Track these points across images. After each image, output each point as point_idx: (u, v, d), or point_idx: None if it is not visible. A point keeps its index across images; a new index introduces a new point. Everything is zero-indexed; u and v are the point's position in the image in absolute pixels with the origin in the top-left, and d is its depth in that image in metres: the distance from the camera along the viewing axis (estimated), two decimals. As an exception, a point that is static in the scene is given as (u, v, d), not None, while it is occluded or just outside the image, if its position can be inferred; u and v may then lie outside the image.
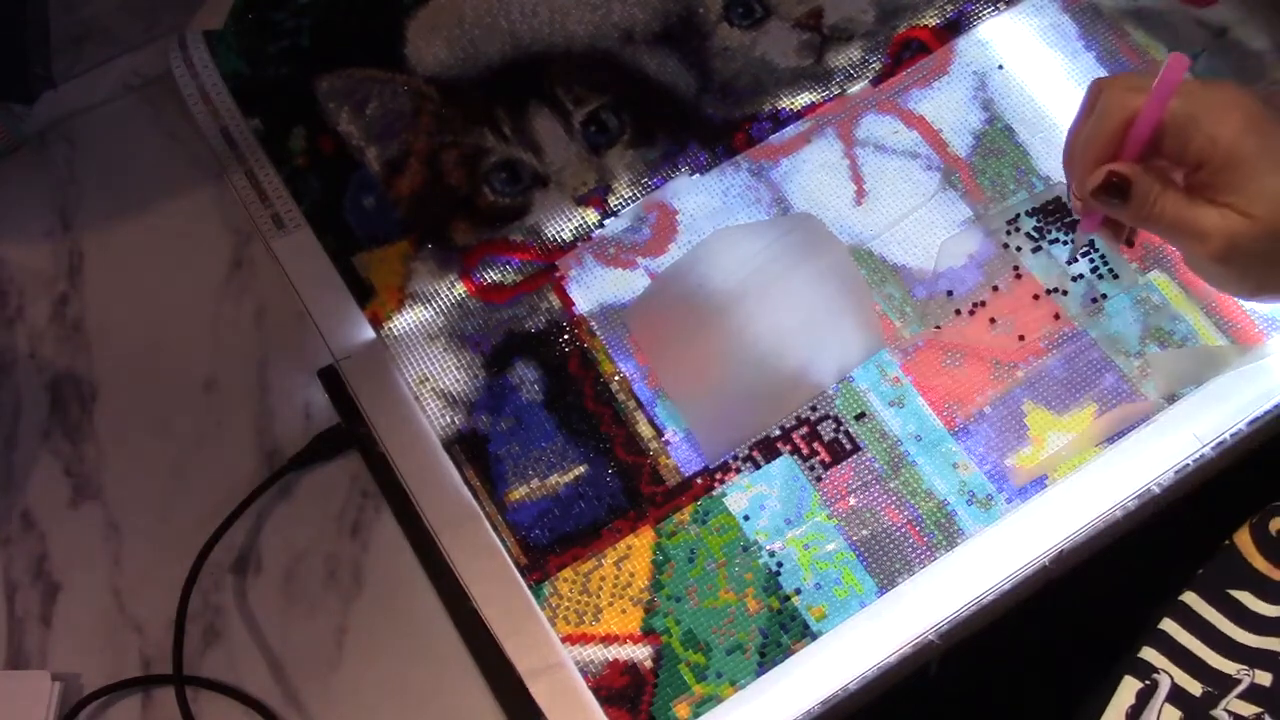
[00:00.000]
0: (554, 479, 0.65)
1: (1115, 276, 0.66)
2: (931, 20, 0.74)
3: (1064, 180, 0.69)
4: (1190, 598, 0.63)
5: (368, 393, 0.66)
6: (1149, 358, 0.64)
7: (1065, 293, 0.66)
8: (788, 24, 0.74)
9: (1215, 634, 0.62)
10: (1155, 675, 0.61)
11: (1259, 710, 0.59)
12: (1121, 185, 0.53)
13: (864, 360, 0.66)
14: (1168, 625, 0.62)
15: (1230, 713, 0.59)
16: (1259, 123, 0.51)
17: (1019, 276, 0.67)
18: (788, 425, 0.65)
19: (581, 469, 0.65)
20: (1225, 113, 0.51)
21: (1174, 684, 0.61)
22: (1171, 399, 0.63)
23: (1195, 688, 0.60)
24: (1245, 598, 0.62)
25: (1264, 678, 0.59)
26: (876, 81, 0.73)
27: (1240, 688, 0.59)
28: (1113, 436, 0.63)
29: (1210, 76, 0.57)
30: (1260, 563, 0.63)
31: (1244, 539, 0.64)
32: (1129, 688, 0.61)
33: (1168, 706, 0.60)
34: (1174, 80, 0.51)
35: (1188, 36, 0.72)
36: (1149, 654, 0.62)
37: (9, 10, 0.68)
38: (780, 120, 0.72)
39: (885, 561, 0.62)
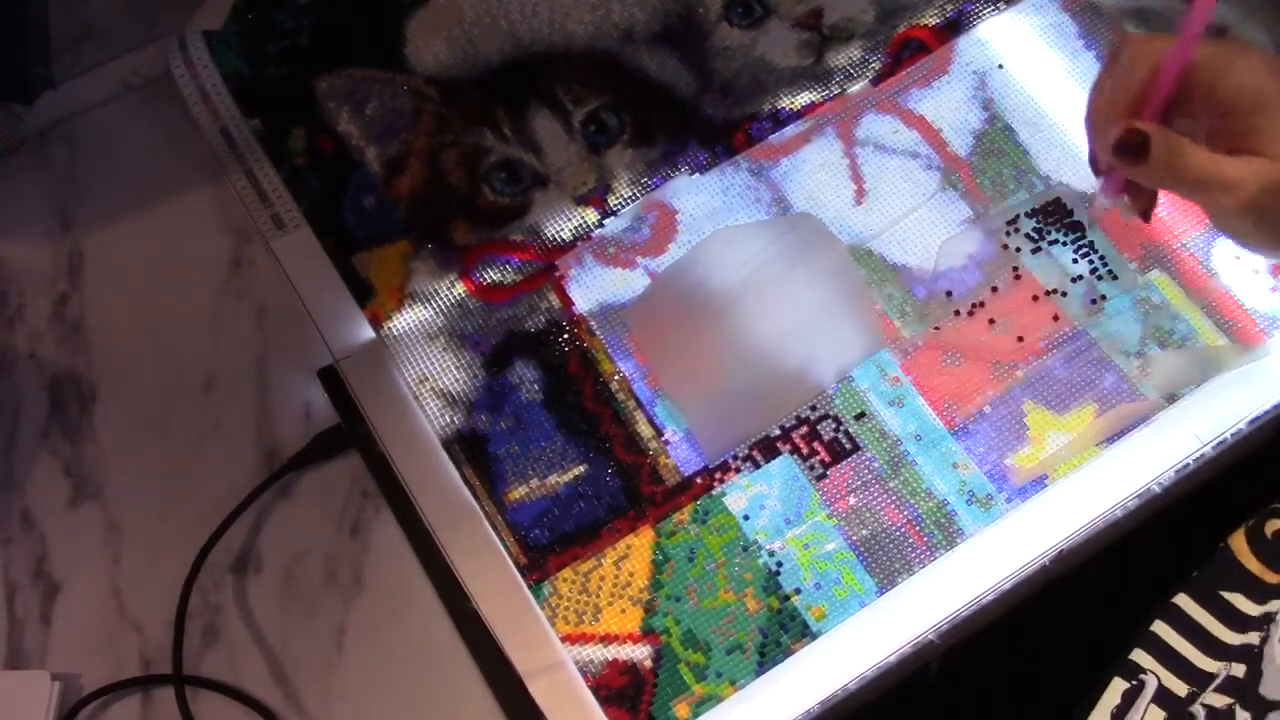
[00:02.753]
0: (553, 479, 0.65)
1: (1115, 278, 0.66)
2: (931, 20, 0.74)
3: (1063, 181, 0.69)
4: (1182, 599, 0.63)
5: (368, 393, 0.66)
6: (1149, 357, 0.64)
7: (1064, 294, 0.66)
8: (787, 24, 0.74)
9: (1203, 635, 0.61)
10: (1143, 676, 0.61)
11: (1230, 701, 0.59)
12: (1140, 143, 0.51)
13: (864, 360, 0.66)
14: (1159, 628, 0.62)
15: (1205, 705, 0.59)
16: None
17: (1018, 277, 0.67)
18: (787, 425, 0.65)
19: (581, 469, 0.65)
20: (1251, 60, 0.51)
21: (1160, 684, 0.60)
22: (1171, 399, 0.63)
23: (1181, 688, 0.60)
24: (1236, 599, 0.62)
25: (1238, 669, 0.59)
26: (876, 81, 0.73)
27: (1217, 681, 0.59)
28: (1113, 436, 0.63)
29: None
30: (1254, 564, 0.63)
31: (1239, 542, 0.64)
32: (1116, 688, 0.61)
33: (1153, 707, 0.60)
34: (1201, 19, 0.50)
35: (1188, 36, 0.72)
36: (1139, 655, 0.62)
37: (9, 10, 0.68)
38: (780, 120, 0.72)
39: (885, 561, 0.62)
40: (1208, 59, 0.51)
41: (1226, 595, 0.62)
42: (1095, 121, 0.54)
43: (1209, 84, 0.51)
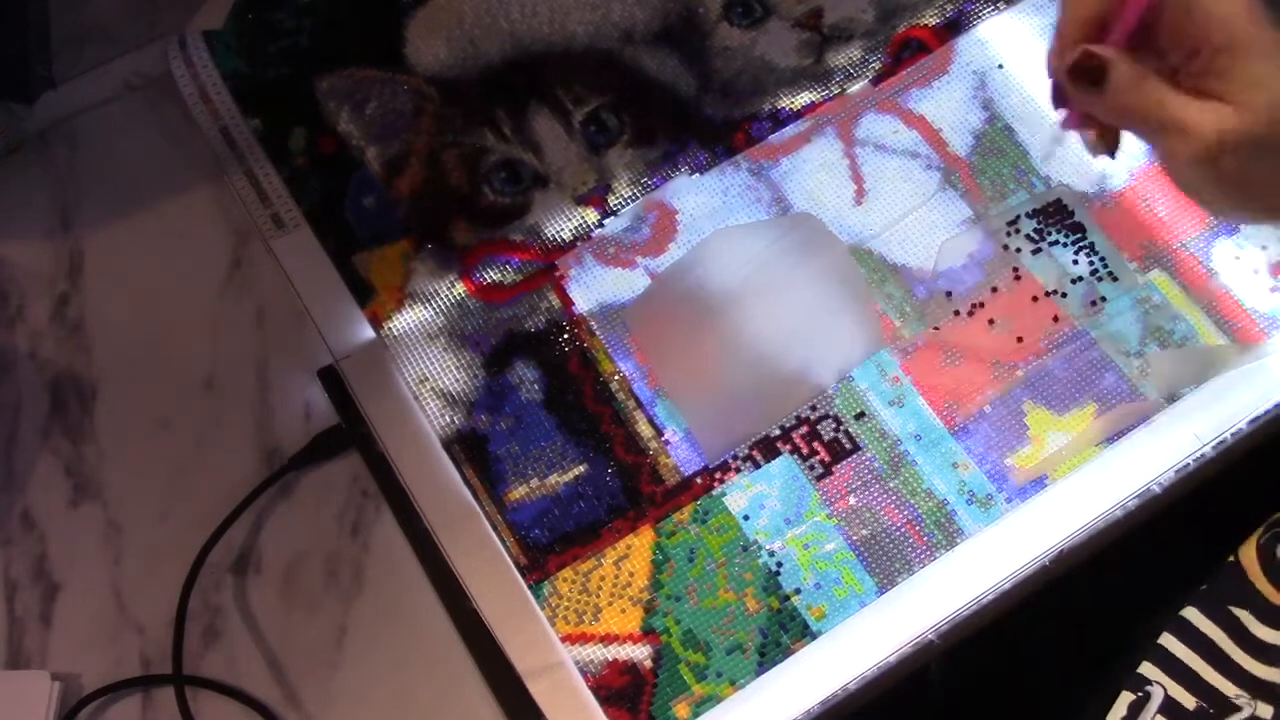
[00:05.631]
0: (554, 479, 0.65)
1: (1115, 279, 0.66)
2: (931, 19, 0.74)
3: (1064, 182, 0.69)
4: (1191, 613, 0.62)
5: (368, 393, 0.66)
6: (1149, 357, 0.64)
7: (1064, 295, 0.66)
8: (788, 23, 0.74)
9: (1214, 649, 0.61)
10: (1149, 687, 0.60)
11: None
12: (1097, 70, 0.47)
13: (864, 360, 0.66)
14: (1166, 640, 0.62)
15: None
16: (1259, 11, 0.45)
17: (1018, 278, 0.67)
18: (788, 425, 0.65)
19: (581, 469, 0.65)
20: None
21: (1167, 695, 0.60)
22: (1171, 399, 0.63)
23: (1189, 701, 0.60)
24: (1246, 617, 0.61)
25: (1265, 710, 0.59)
26: (876, 81, 0.73)
27: (1240, 716, 0.59)
28: (1113, 436, 0.63)
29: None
30: (1264, 585, 0.62)
31: (1249, 558, 0.63)
32: (1123, 701, 0.61)
33: (1159, 718, 0.60)
34: None
35: (1188, 36, 0.72)
36: (1145, 668, 0.61)
37: (10, 11, 0.68)
38: (780, 120, 0.72)
39: (885, 561, 0.62)
40: None
41: (1236, 611, 0.62)
42: (1058, 45, 0.49)
43: (1179, 13, 0.45)
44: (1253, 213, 0.48)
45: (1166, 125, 0.46)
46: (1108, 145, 0.53)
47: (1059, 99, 0.52)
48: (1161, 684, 0.60)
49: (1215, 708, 0.59)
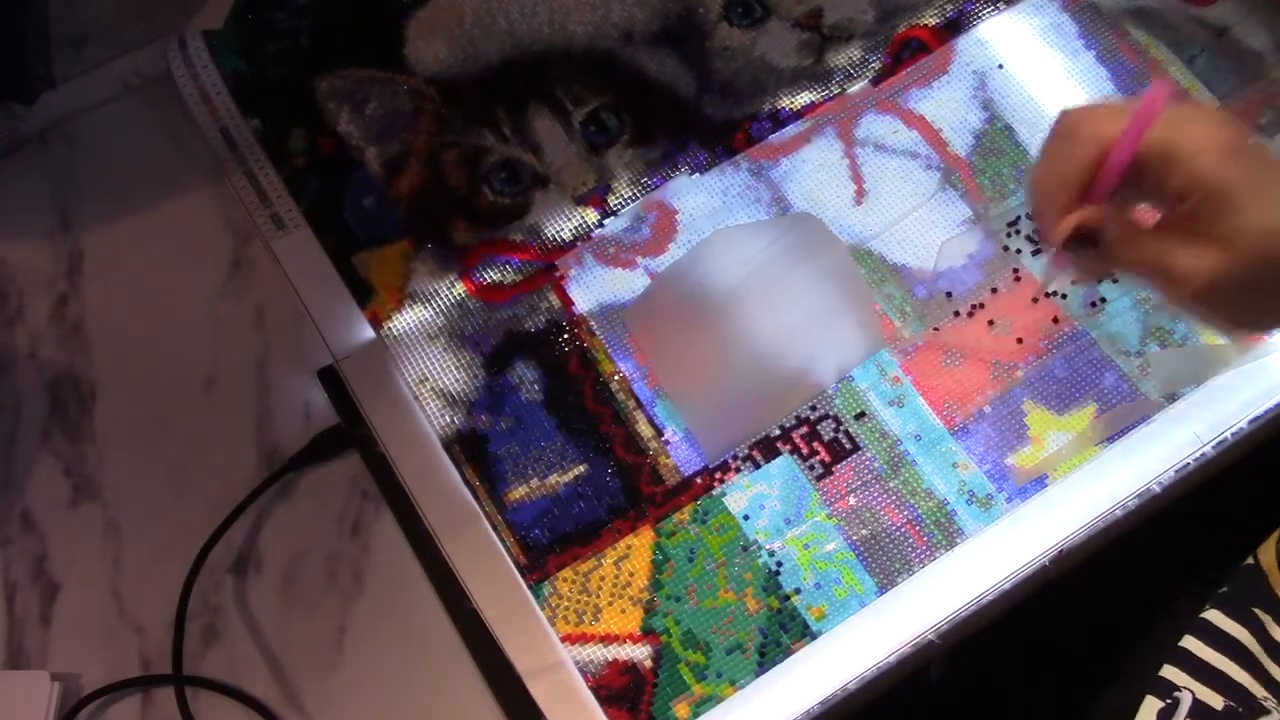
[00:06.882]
0: (554, 479, 0.65)
1: (1115, 280, 0.66)
2: (931, 20, 0.74)
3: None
4: (1213, 615, 0.62)
5: (367, 393, 0.66)
6: (1149, 357, 0.64)
7: (1064, 296, 0.66)
8: (787, 24, 0.74)
9: (1240, 649, 0.61)
10: (1177, 693, 0.60)
11: None
12: (1090, 235, 0.50)
13: (864, 360, 0.66)
14: (1189, 643, 0.62)
15: None
16: (1239, 152, 0.48)
17: (1018, 279, 0.67)
18: (787, 425, 0.65)
19: (581, 469, 0.65)
20: (1205, 143, 0.47)
21: (1195, 699, 0.60)
22: (1171, 398, 0.63)
23: (1217, 702, 0.60)
24: (1269, 622, 0.61)
25: None
26: (876, 81, 0.73)
27: (1269, 719, 0.59)
28: (1113, 436, 0.63)
29: (1188, 100, 0.53)
30: None
31: (1269, 562, 0.63)
32: (1150, 707, 0.61)
33: None
34: (1154, 112, 0.47)
35: (1188, 36, 0.72)
36: (1170, 672, 0.61)
37: (9, 11, 0.68)
38: (780, 120, 0.72)
39: (885, 561, 0.62)
40: (1159, 142, 0.48)
41: (1259, 613, 0.62)
42: (1042, 198, 0.52)
43: (1160, 170, 0.48)
44: (1249, 328, 0.53)
45: (1160, 275, 0.49)
46: (1098, 276, 0.60)
47: (1048, 238, 0.55)
48: (1189, 689, 0.60)
49: (1244, 707, 0.59)
